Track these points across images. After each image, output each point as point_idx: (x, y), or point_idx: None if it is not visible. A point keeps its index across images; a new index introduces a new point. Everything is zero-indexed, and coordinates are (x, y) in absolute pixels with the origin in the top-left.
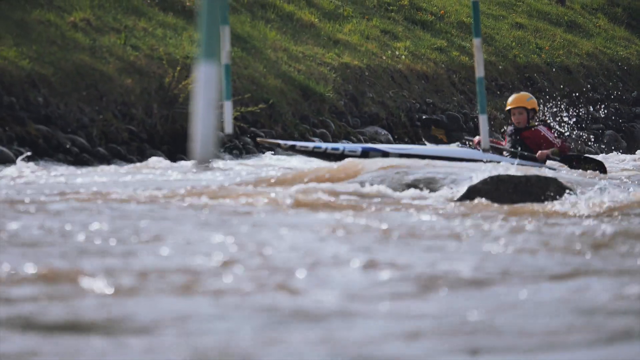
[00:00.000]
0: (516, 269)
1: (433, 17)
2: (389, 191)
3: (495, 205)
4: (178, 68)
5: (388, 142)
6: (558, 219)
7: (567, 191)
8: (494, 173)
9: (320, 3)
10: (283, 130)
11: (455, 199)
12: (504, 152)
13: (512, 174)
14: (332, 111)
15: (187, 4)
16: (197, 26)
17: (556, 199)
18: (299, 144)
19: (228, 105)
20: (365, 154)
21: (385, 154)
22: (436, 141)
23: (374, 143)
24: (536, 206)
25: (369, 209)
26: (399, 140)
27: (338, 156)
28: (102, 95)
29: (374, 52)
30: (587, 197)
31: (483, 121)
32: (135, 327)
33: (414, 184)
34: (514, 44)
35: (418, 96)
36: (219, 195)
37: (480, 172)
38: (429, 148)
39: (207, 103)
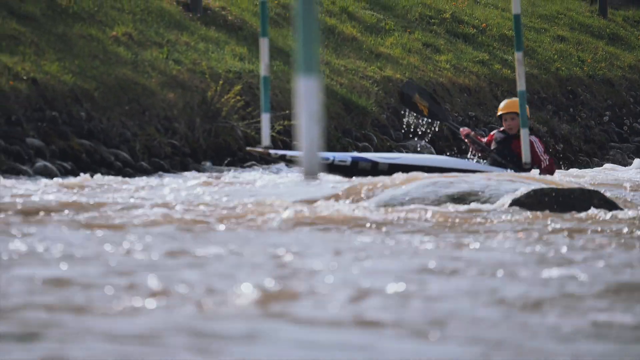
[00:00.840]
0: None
1: (475, 30)
2: (434, 207)
3: (546, 216)
4: (220, 82)
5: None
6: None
7: (610, 205)
8: (535, 186)
9: (362, 16)
10: (325, 143)
11: (501, 211)
12: (486, 158)
13: (554, 187)
14: (374, 124)
15: (230, 18)
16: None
17: (601, 213)
18: (289, 153)
19: (266, 118)
20: (355, 164)
21: (374, 164)
22: (416, 110)
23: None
24: (586, 220)
25: (423, 226)
26: (440, 153)
27: (329, 166)
28: (144, 109)
29: (416, 65)
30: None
31: (524, 135)
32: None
33: (453, 198)
34: (556, 56)
35: (460, 109)
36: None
37: (521, 185)
38: (419, 157)
39: (310, 117)
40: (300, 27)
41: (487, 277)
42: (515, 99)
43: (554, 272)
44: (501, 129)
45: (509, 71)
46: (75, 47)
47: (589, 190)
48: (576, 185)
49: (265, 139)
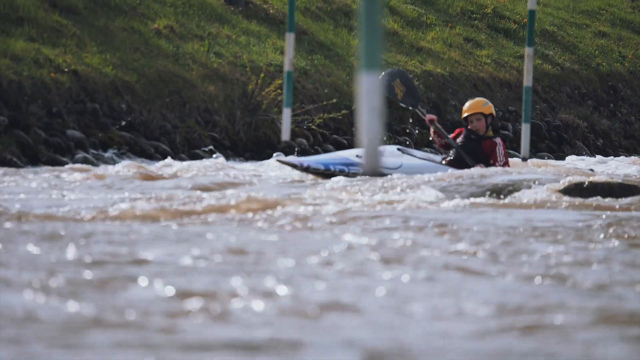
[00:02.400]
0: None
1: (516, 25)
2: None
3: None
4: (262, 75)
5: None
6: None
7: None
8: (572, 179)
9: (404, 11)
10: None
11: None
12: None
13: (593, 180)
14: (414, 119)
15: (271, 11)
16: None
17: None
18: (313, 165)
19: (287, 113)
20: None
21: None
22: (392, 94)
23: None
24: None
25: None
26: None
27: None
28: (185, 102)
29: (457, 60)
30: None
31: (525, 130)
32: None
33: (493, 191)
34: (597, 52)
35: (501, 104)
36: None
37: (559, 177)
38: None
39: (371, 112)
40: (363, 24)
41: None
42: (479, 99)
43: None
44: (462, 128)
45: (550, 66)
46: (117, 40)
47: (629, 185)
48: (616, 180)
49: (286, 134)
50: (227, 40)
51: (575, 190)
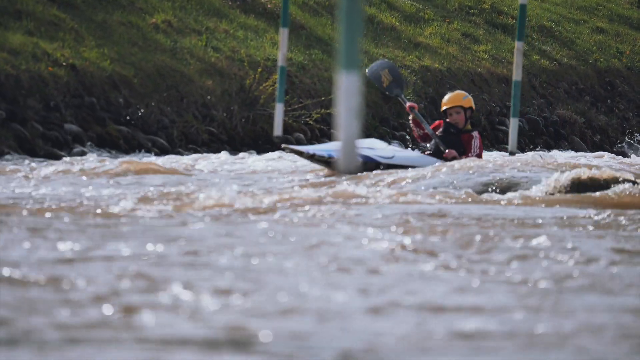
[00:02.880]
0: None
1: (514, 21)
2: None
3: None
4: (259, 70)
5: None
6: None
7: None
8: (569, 174)
9: (401, 6)
10: (363, 132)
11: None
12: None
13: (591, 175)
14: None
15: (269, 6)
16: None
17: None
18: (318, 153)
19: (279, 108)
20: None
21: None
22: (378, 81)
23: None
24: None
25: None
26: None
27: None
28: (182, 96)
29: (455, 55)
30: None
31: (513, 124)
32: None
33: (490, 186)
34: (594, 48)
35: (498, 99)
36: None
37: (556, 173)
38: (411, 156)
39: (349, 112)
40: (344, 23)
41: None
42: (458, 92)
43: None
44: (440, 121)
45: (548, 62)
46: (115, 34)
47: (624, 178)
48: (614, 174)
49: (278, 129)
50: (224, 34)
51: (572, 186)
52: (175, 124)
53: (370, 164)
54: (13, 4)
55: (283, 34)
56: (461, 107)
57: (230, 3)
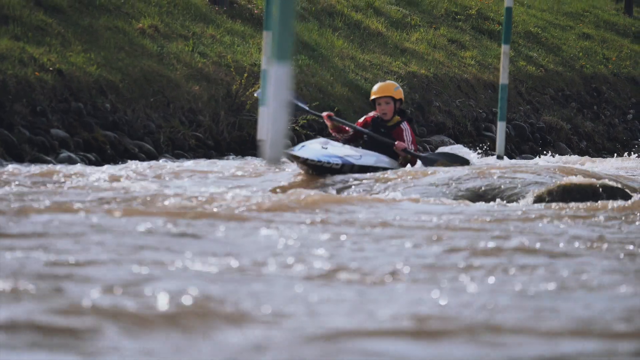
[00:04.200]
0: None
1: (500, 27)
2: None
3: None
4: (245, 75)
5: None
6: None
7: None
8: (557, 181)
9: (388, 12)
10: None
11: (526, 207)
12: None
13: (578, 182)
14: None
15: (255, 11)
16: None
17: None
18: (310, 157)
19: (263, 112)
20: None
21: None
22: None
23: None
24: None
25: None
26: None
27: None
28: (169, 101)
29: (441, 61)
30: None
31: (501, 128)
32: None
33: (481, 195)
34: (581, 54)
35: (484, 105)
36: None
37: (543, 179)
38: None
39: (279, 104)
40: (277, 13)
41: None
42: (389, 82)
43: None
44: (372, 114)
45: (534, 68)
46: (101, 39)
47: (612, 187)
48: (600, 181)
49: (261, 132)
50: (211, 40)
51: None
52: (162, 129)
53: (346, 167)
54: (0, 9)
55: (267, 37)
56: (391, 97)
57: (217, 8)
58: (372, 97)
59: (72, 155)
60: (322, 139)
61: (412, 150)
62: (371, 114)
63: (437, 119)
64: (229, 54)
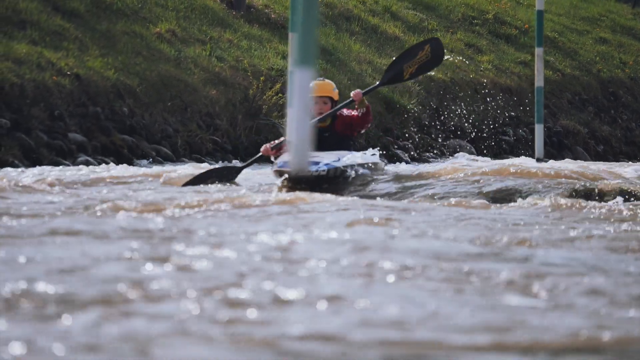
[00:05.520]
0: None
1: (517, 31)
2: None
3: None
4: (262, 79)
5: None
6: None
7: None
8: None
9: (405, 16)
10: (366, 142)
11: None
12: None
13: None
14: (415, 124)
15: (273, 16)
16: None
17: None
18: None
19: (292, 114)
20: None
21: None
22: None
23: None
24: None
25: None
26: (481, 153)
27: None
28: (186, 105)
29: (458, 66)
30: None
31: (539, 130)
32: None
33: (495, 196)
34: (597, 58)
35: (501, 109)
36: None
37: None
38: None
39: (302, 109)
40: (300, 19)
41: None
42: (327, 82)
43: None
44: None
45: (551, 72)
46: (119, 44)
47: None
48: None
49: (291, 135)
50: (228, 44)
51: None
52: (180, 133)
53: (331, 171)
54: (17, 14)
55: (292, 39)
56: (330, 98)
57: (234, 13)
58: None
59: (90, 159)
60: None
61: (367, 89)
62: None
63: (454, 123)
64: (246, 58)
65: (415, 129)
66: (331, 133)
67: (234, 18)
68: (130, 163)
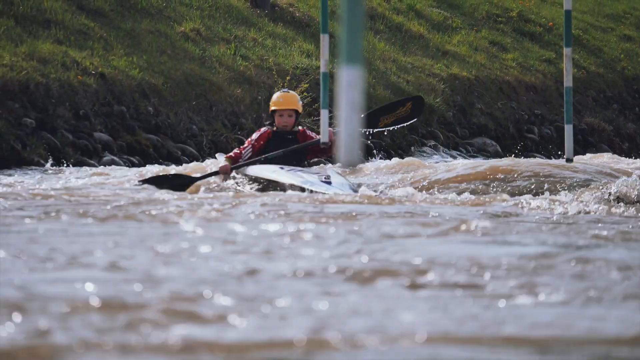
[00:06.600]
0: None
1: (541, 29)
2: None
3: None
4: (287, 78)
5: (496, 153)
6: None
7: None
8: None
9: (429, 14)
10: (391, 140)
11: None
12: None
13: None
14: (440, 122)
15: (297, 14)
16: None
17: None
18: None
19: (324, 114)
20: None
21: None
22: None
23: (482, 154)
24: None
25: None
26: (507, 151)
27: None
28: (211, 104)
29: (483, 64)
30: None
31: (568, 131)
32: None
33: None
34: (622, 56)
35: (526, 107)
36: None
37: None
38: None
39: (351, 106)
40: (345, 15)
41: None
42: (294, 94)
43: None
44: (268, 129)
45: (576, 70)
46: (144, 43)
47: None
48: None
49: (324, 136)
50: (253, 43)
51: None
52: (205, 132)
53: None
54: (42, 13)
55: (323, 40)
56: (296, 110)
57: (258, 11)
58: (274, 107)
59: (115, 158)
60: (271, 166)
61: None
62: (266, 129)
63: (479, 121)
64: (270, 57)
65: (441, 127)
66: (294, 139)
67: (258, 17)
68: (157, 163)
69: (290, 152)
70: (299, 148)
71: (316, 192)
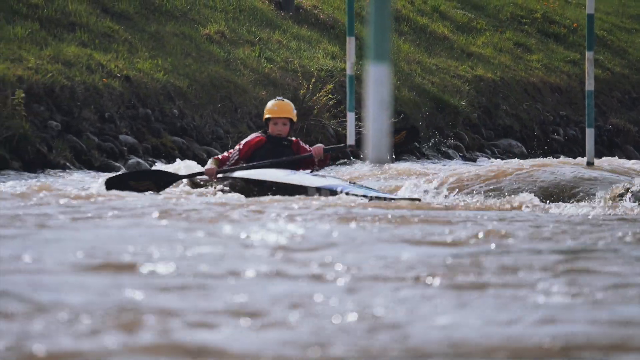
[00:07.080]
0: None
1: (566, 30)
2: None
3: None
4: (312, 80)
5: (522, 154)
6: None
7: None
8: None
9: (454, 16)
10: (417, 142)
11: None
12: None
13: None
14: (465, 123)
15: (321, 16)
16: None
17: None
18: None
19: (351, 117)
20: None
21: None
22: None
23: (508, 155)
24: None
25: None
26: (532, 154)
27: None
28: (236, 107)
29: (507, 65)
30: None
31: (589, 134)
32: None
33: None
34: None
35: (552, 109)
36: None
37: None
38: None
39: (379, 104)
40: (373, 13)
41: None
42: (289, 103)
43: None
44: (260, 136)
45: (600, 71)
46: (168, 45)
47: None
48: None
49: (351, 138)
50: (277, 45)
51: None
52: (230, 135)
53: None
54: (67, 16)
55: (350, 43)
56: (290, 119)
57: (282, 14)
58: (269, 115)
59: (141, 160)
60: (279, 170)
61: (330, 147)
62: (257, 135)
63: (504, 123)
64: (295, 59)
65: (466, 128)
66: (288, 146)
67: (282, 19)
68: None
69: (278, 162)
70: (291, 160)
71: (378, 197)
